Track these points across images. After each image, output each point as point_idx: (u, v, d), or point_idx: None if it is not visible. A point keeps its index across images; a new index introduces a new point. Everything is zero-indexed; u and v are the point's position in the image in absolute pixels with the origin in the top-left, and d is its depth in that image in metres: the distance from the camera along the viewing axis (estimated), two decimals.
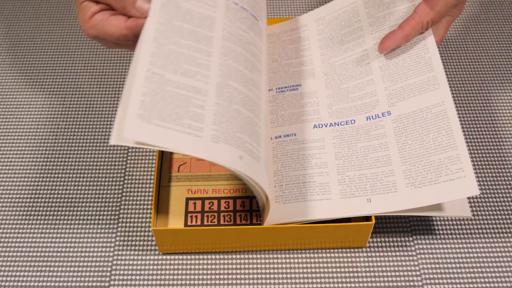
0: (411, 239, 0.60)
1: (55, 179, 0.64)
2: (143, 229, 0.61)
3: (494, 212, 0.62)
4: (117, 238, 0.60)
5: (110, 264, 0.58)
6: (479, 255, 0.59)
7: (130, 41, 0.55)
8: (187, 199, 0.61)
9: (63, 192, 0.63)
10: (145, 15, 0.52)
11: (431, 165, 0.53)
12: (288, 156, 0.59)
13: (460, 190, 0.52)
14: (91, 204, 0.62)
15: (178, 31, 0.50)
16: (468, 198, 0.63)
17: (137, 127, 0.44)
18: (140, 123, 0.44)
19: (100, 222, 0.61)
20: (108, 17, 0.54)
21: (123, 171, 0.65)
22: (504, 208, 0.62)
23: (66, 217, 0.61)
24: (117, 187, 0.64)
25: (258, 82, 0.55)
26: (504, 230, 0.61)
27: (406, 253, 0.59)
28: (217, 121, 0.48)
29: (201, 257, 0.59)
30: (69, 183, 0.64)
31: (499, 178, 0.64)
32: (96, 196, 0.63)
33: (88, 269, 0.58)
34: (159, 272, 0.58)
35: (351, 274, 0.57)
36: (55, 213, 0.62)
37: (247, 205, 0.61)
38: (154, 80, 0.47)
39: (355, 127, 0.59)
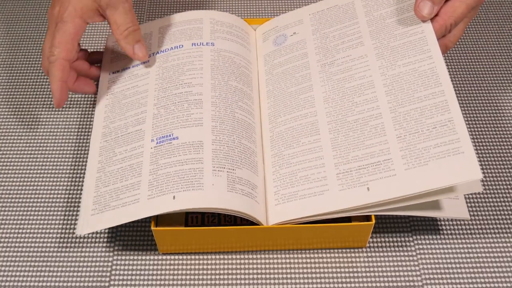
0: (411, 239, 0.60)
1: (55, 179, 0.64)
2: (143, 229, 0.61)
3: (494, 212, 0.62)
4: (117, 238, 0.60)
5: (110, 264, 0.58)
6: (479, 255, 0.59)
7: None
8: None
9: (63, 192, 0.63)
10: (140, 59, 0.63)
11: (428, 133, 0.53)
12: (285, 147, 0.59)
13: (461, 171, 0.50)
14: None
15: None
16: (469, 198, 0.62)
17: (91, 222, 0.55)
18: (93, 218, 0.55)
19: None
20: (78, 36, 0.59)
21: None
22: (505, 208, 0.62)
23: (66, 217, 0.61)
24: None
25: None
26: (504, 230, 0.61)
27: (406, 253, 0.59)
28: (151, 182, 0.55)
29: (201, 257, 0.59)
30: (69, 183, 0.64)
31: (499, 178, 0.64)
32: None
33: (88, 269, 0.58)
34: (159, 272, 0.58)
35: (351, 274, 0.57)
36: (55, 213, 0.62)
37: None
38: (100, 175, 0.58)
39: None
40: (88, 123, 0.69)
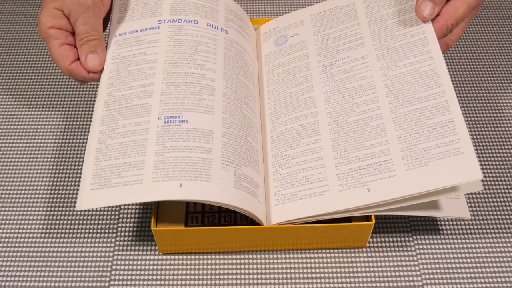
0: (411, 239, 0.60)
1: (55, 179, 0.64)
2: (143, 229, 0.61)
3: (495, 212, 0.62)
4: (117, 238, 0.60)
5: (110, 264, 0.58)
6: (479, 255, 0.59)
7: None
8: None
9: (63, 192, 0.63)
10: (91, 71, 0.59)
11: (429, 133, 0.53)
12: (285, 148, 0.59)
13: (462, 171, 0.50)
14: None
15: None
16: (469, 198, 0.63)
17: (90, 198, 0.52)
18: (92, 193, 0.53)
19: (100, 222, 0.61)
20: (62, 43, 0.59)
21: None
22: (505, 208, 0.62)
23: (66, 217, 0.61)
24: None
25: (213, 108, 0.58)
26: (504, 230, 0.61)
27: (406, 253, 0.59)
28: (157, 164, 0.53)
29: (201, 257, 0.59)
30: (69, 183, 0.64)
31: (499, 178, 0.64)
32: None
33: (88, 269, 0.58)
34: (159, 272, 0.58)
35: (351, 274, 0.57)
36: (55, 213, 0.62)
37: None
38: (101, 147, 0.55)
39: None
40: (88, 123, 0.69)
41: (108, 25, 0.63)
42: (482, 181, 0.64)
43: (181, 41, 0.61)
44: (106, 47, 0.61)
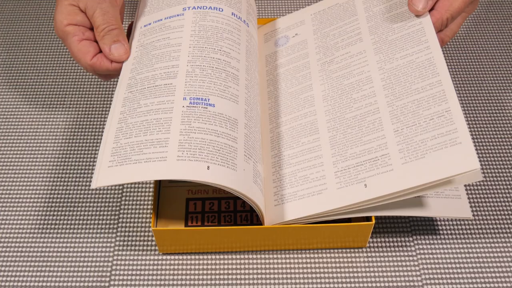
0: (411, 239, 0.60)
1: (55, 179, 0.64)
2: (143, 229, 0.61)
3: (495, 212, 0.62)
4: (117, 238, 0.60)
5: (110, 264, 0.58)
6: (480, 255, 0.59)
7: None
8: (188, 200, 0.61)
9: (63, 192, 0.63)
10: (116, 61, 0.58)
11: (425, 125, 0.53)
12: (284, 148, 0.59)
13: (459, 162, 0.49)
14: (91, 204, 0.62)
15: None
16: (469, 198, 0.62)
17: (109, 175, 0.51)
18: (110, 170, 0.51)
19: (100, 222, 0.61)
20: (81, 39, 0.58)
21: None
22: (505, 208, 0.62)
23: (66, 217, 0.61)
24: (117, 187, 0.64)
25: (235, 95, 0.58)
26: (504, 231, 0.61)
27: (406, 253, 0.59)
28: (182, 143, 0.52)
29: (201, 257, 0.59)
30: (69, 183, 0.64)
31: (499, 178, 0.64)
32: (96, 196, 0.63)
33: (88, 269, 0.58)
34: (159, 272, 0.58)
35: (351, 274, 0.57)
36: (55, 213, 0.62)
37: (247, 206, 0.61)
38: (122, 125, 0.54)
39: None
40: (88, 123, 0.69)
41: (132, 21, 0.63)
42: (483, 180, 0.64)
43: (206, 27, 0.60)
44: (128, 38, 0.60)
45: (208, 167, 0.51)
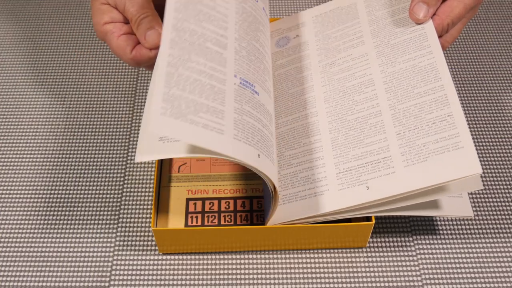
0: (411, 239, 0.60)
1: (55, 179, 0.64)
2: (143, 229, 0.61)
3: (495, 212, 0.62)
4: (117, 238, 0.60)
5: (110, 264, 0.58)
6: (480, 255, 0.59)
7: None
8: (187, 200, 0.61)
9: (63, 192, 0.63)
10: (153, 47, 0.56)
11: (428, 128, 0.53)
12: (288, 146, 0.59)
13: (461, 166, 0.50)
14: (91, 204, 0.62)
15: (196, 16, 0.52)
16: (470, 197, 0.62)
17: (163, 123, 0.45)
18: (164, 119, 0.46)
19: (100, 222, 0.61)
20: (119, 34, 0.57)
21: (123, 171, 0.65)
22: (505, 208, 0.62)
23: (66, 217, 0.61)
24: (117, 187, 0.64)
25: (268, 83, 0.57)
26: (505, 230, 0.61)
27: (406, 253, 0.59)
28: (237, 122, 0.49)
29: (201, 257, 0.59)
30: (69, 183, 0.64)
31: (500, 178, 0.64)
32: (96, 196, 0.63)
33: (88, 269, 0.58)
34: (159, 272, 0.58)
35: (351, 274, 0.57)
36: (55, 213, 0.62)
37: (248, 206, 0.61)
38: (175, 76, 0.48)
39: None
40: (88, 123, 0.69)
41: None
42: (483, 180, 0.64)
43: (247, 12, 0.58)
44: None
45: (259, 155, 0.49)
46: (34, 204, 0.62)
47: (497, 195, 0.63)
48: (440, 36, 0.59)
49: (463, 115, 0.52)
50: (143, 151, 0.49)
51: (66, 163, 0.66)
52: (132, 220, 0.61)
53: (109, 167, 0.65)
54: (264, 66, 0.57)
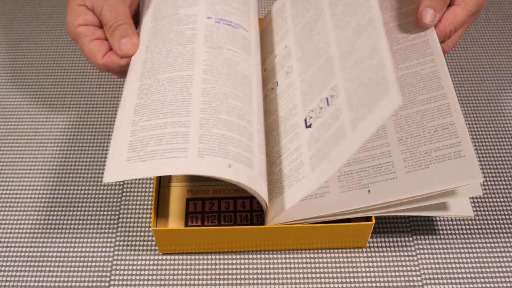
0: (411, 239, 0.60)
1: (55, 179, 0.64)
2: (143, 229, 0.61)
3: (495, 212, 0.62)
4: (117, 238, 0.60)
5: (110, 264, 0.58)
6: (480, 255, 0.59)
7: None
8: (188, 200, 0.61)
9: (63, 192, 0.63)
10: (125, 56, 0.57)
11: (430, 136, 0.53)
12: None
13: (462, 174, 0.50)
14: (91, 204, 0.62)
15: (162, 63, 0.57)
16: (470, 198, 0.62)
17: (125, 168, 0.50)
18: (127, 164, 0.50)
19: (100, 222, 0.61)
20: (92, 39, 0.58)
21: None
22: (505, 207, 0.62)
23: (66, 217, 0.61)
24: (117, 187, 0.64)
25: (248, 99, 0.57)
26: (505, 230, 0.61)
27: (406, 253, 0.59)
28: (203, 138, 0.51)
29: (201, 257, 0.59)
30: (69, 183, 0.64)
31: (500, 178, 0.64)
32: (96, 196, 0.63)
33: (88, 269, 0.58)
34: (159, 272, 0.58)
35: (351, 274, 0.57)
36: (55, 213, 0.62)
37: (248, 206, 0.61)
38: (137, 128, 0.52)
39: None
40: (88, 123, 0.69)
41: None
42: (483, 181, 0.64)
43: (219, 29, 0.60)
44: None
45: (229, 165, 0.50)
46: (34, 204, 0.62)
47: (497, 195, 0.63)
48: (441, 42, 0.60)
49: (464, 124, 0.53)
50: (111, 171, 0.50)
51: (66, 163, 0.66)
52: (132, 220, 0.61)
53: None
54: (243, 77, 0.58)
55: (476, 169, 0.50)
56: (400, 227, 0.61)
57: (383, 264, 0.58)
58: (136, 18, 0.62)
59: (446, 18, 0.58)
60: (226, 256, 0.59)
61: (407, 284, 0.57)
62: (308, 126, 0.55)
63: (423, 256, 0.59)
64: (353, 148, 0.49)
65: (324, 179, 0.51)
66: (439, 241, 0.60)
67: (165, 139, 0.51)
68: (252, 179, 0.52)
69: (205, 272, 0.58)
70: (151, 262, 0.58)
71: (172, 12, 0.60)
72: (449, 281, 0.57)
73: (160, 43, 0.58)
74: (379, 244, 0.60)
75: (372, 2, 0.53)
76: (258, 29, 0.65)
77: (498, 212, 0.62)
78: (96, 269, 0.58)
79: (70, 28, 0.58)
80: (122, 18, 0.57)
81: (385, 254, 0.59)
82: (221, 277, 0.57)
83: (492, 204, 0.62)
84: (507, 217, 0.62)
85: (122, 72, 0.59)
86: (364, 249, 0.59)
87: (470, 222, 0.61)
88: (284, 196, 0.55)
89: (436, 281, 0.57)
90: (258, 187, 0.52)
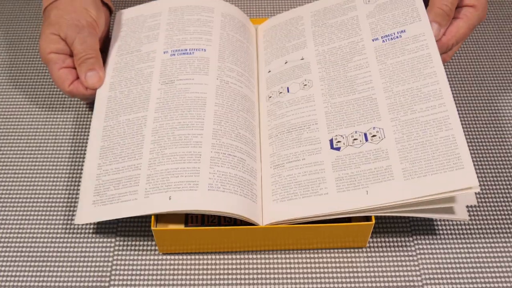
0: (411, 239, 0.60)
1: (55, 179, 0.64)
2: (143, 229, 0.61)
3: (494, 212, 0.62)
4: (117, 238, 0.60)
5: (110, 264, 0.58)
6: (479, 255, 0.59)
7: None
8: None
9: (63, 192, 0.63)
10: (90, 88, 0.63)
11: (429, 145, 0.54)
12: (284, 149, 0.59)
13: (460, 183, 0.51)
14: None
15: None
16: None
17: (91, 212, 0.56)
18: (92, 208, 0.56)
19: (100, 222, 0.61)
20: (61, 67, 0.63)
21: None
22: (505, 208, 0.62)
23: (66, 217, 0.61)
24: None
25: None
26: (504, 230, 0.61)
27: (406, 253, 0.59)
28: (150, 179, 0.56)
29: (201, 257, 0.59)
30: (69, 183, 0.64)
31: (499, 178, 0.64)
32: None
33: (88, 269, 0.58)
34: (159, 272, 0.58)
35: (351, 274, 0.57)
36: (55, 213, 0.62)
37: None
38: (101, 171, 0.58)
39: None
40: (88, 123, 0.69)
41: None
42: (482, 180, 0.64)
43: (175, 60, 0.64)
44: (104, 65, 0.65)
45: (170, 197, 0.54)
46: (34, 204, 0.62)
47: (496, 196, 0.63)
48: (444, 53, 0.62)
49: (464, 137, 0.53)
50: (81, 214, 0.56)
51: (66, 163, 0.66)
52: (132, 220, 0.61)
53: None
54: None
55: (474, 178, 0.51)
56: (400, 227, 0.61)
57: (383, 264, 0.58)
58: (107, 45, 0.67)
59: (449, 32, 0.60)
60: (226, 256, 0.59)
61: (407, 284, 0.57)
62: (335, 148, 0.57)
63: (423, 256, 0.59)
64: (401, 196, 0.52)
65: (358, 206, 0.53)
66: (439, 241, 0.60)
67: (122, 183, 0.56)
68: (198, 201, 0.54)
69: (205, 272, 0.58)
70: (151, 262, 0.58)
71: (135, 48, 0.65)
72: (449, 281, 0.57)
73: (122, 82, 0.63)
74: (379, 244, 0.60)
75: (440, 77, 0.57)
76: (234, 35, 0.67)
77: (497, 213, 0.62)
78: (96, 269, 0.58)
79: (42, 54, 0.62)
80: (91, 52, 0.62)
81: (385, 254, 0.59)
82: (221, 277, 0.57)
83: (491, 204, 0.62)
84: (506, 217, 0.62)
85: (87, 98, 0.64)
86: (364, 249, 0.59)
87: (470, 222, 0.61)
88: (296, 202, 0.55)
89: (436, 281, 0.57)
90: (211, 206, 0.54)
